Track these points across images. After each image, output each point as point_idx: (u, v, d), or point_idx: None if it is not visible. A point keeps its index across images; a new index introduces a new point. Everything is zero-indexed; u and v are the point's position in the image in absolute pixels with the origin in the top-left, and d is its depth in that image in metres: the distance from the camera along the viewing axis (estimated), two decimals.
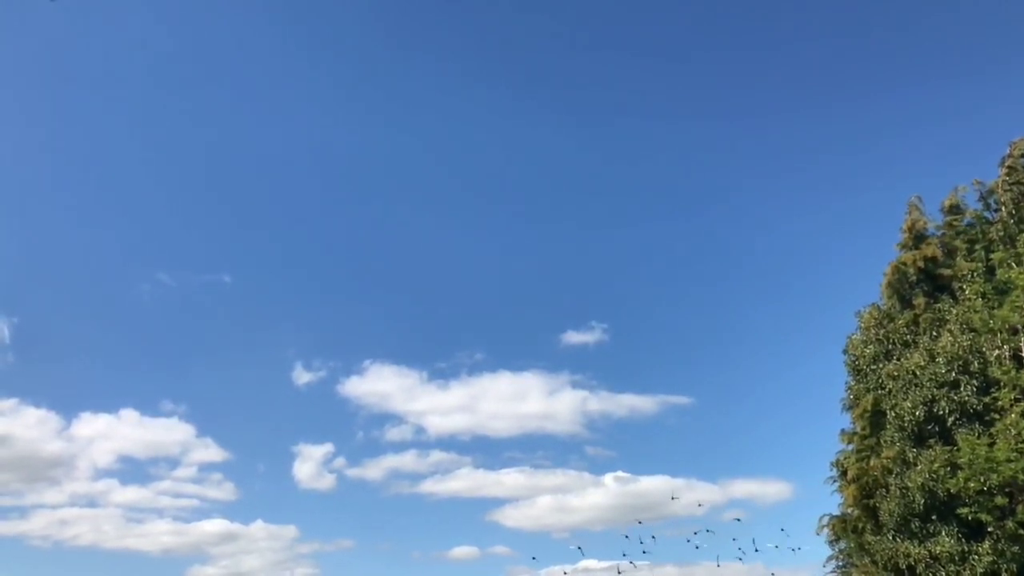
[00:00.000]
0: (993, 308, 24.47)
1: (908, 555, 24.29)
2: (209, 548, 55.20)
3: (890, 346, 27.80)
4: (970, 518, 22.96)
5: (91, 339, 66.63)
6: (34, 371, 60.90)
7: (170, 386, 62.02)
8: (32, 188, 66.22)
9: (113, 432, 55.68)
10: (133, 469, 58.62)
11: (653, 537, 24.69)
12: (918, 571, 24.17)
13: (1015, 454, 21.19)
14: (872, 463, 26.52)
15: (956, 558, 23.34)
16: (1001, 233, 26.57)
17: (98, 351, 65.21)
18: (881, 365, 27.53)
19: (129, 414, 56.42)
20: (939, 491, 23.69)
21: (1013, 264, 24.50)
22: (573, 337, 61.24)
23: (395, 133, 73.10)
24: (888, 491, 25.35)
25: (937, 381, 24.97)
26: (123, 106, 69.51)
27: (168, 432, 56.17)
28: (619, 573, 29.29)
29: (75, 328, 65.70)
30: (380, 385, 58.69)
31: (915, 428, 25.27)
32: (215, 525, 53.49)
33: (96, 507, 53.95)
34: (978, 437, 23.11)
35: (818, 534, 29.79)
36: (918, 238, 28.84)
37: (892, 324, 28.10)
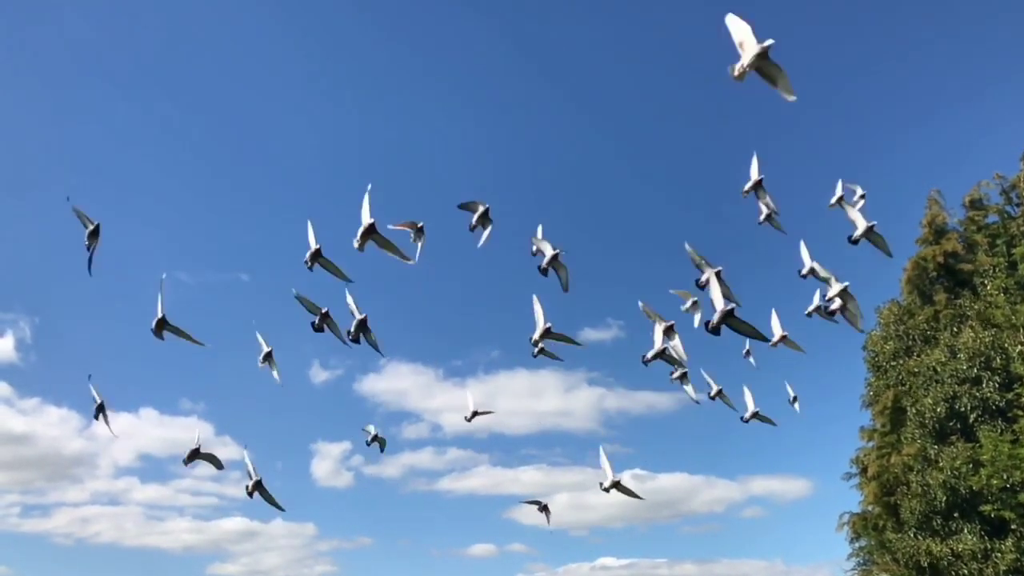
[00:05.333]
0: (1015, 303, 24.24)
1: (930, 553, 24.10)
2: (229, 546, 55.59)
3: (910, 342, 27.58)
4: (993, 515, 22.77)
5: (111, 338, 67.21)
6: (55, 370, 61.36)
7: (189, 385, 62.23)
8: (51, 188, 66.83)
9: (133, 431, 55.99)
10: (153, 467, 59.10)
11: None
12: (940, 569, 23.99)
13: None
14: (893, 460, 26.33)
15: (979, 556, 23.14)
16: (1022, 228, 26.26)
17: (118, 350, 65.73)
18: (901, 361, 27.32)
19: (149, 413, 56.86)
20: (961, 488, 23.51)
21: None
22: (589, 334, 60.96)
23: (411, 130, 73.23)
24: (909, 488, 25.17)
25: (958, 377, 24.76)
26: (139, 104, 70.01)
27: (187, 430, 56.31)
28: None
29: (95, 328, 66.28)
30: (396, 383, 58.73)
31: (936, 425, 25.06)
32: (234, 523, 53.78)
33: (117, 505, 54.44)
34: (1001, 434, 22.93)
35: (838, 531, 29.67)
36: (938, 233, 28.55)
37: (912, 320, 27.86)
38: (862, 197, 14.66)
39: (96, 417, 14.14)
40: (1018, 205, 27.38)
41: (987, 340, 24.53)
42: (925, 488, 24.38)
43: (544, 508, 17.19)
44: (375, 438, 16.16)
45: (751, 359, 16.35)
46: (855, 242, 13.40)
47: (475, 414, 16.27)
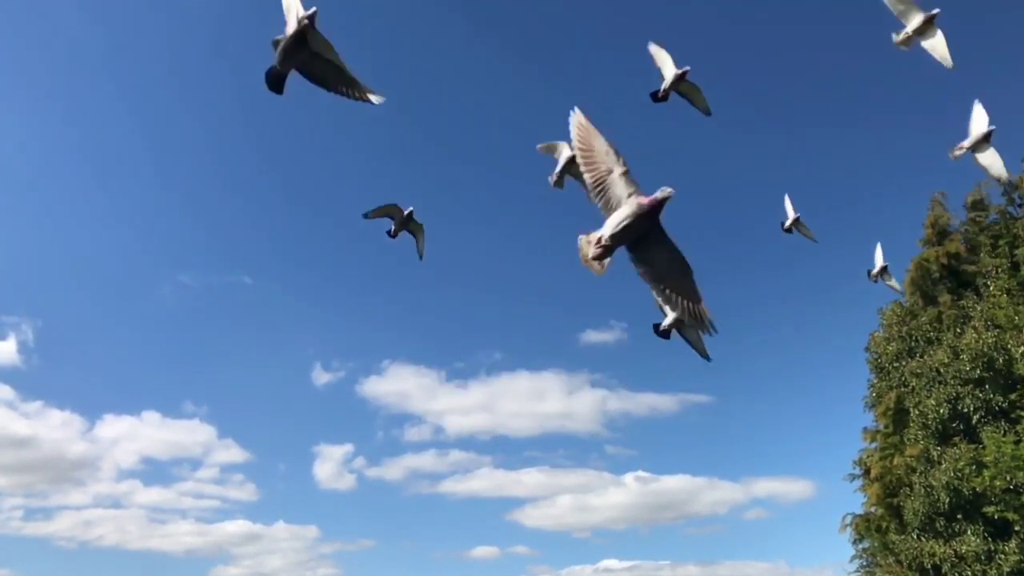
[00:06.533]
0: (1018, 304, 24.20)
1: (933, 554, 24.05)
2: (232, 548, 55.66)
3: (913, 343, 27.53)
4: (996, 517, 22.70)
5: (114, 341, 67.36)
6: (58, 373, 61.54)
7: (192, 388, 62.26)
8: (54, 191, 67.05)
9: (136, 433, 56.19)
10: (156, 470, 59.27)
11: None
12: (943, 570, 23.92)
13: None
14: (896, 461, 26.30)
15: (982, 557, 23.08)
16: None
17: (121, 353, 65.89)
18: (904, 363, 27.28)
19: (151, 416, 56.97)
20: (964, 489, 23.43)
21: None
22: (592, 336, 61.03)
23: (414, 129, 73.33)
24: (912, 490, 25.12)
25: (961, 378, 24.70)
26: (143, 108, 70.23)
27: (190, 433, 56.56)
28: None
29: (98, 330, 66.45)
30: (399, 385, 58.81)
31: (939, 426, 25.01)
32: (237, 526, 53.85)
33: (120, 508, 54.54)
34: (1004, 435, 22.88)
35: (841, 533, 29.62)
36: (941, 234, 28.51)
37: (915, 321, 27.83)
38: None
39: None
40: (1020, 206, 27.35)
41: (990, 341, 24.46)
42: (928, 489, 24.32)
43: None
44: (405, 219, 12.18)
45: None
46: None
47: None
